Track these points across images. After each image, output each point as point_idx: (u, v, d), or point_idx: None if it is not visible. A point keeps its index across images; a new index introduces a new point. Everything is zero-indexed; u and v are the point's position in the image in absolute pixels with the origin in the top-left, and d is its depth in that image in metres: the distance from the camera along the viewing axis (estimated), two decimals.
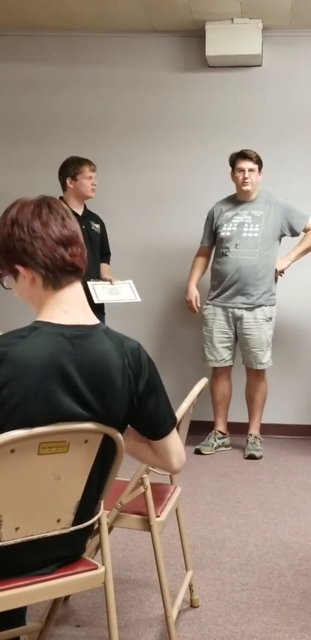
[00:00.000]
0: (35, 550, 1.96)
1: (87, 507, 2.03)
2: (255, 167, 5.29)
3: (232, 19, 5.64)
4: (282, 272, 5.39)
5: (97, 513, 2.10)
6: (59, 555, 2.02)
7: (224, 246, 5.34)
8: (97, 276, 5.33)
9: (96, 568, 2.07)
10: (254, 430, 5.45)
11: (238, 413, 5.57)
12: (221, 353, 5.40)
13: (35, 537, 1.94)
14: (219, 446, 5.43)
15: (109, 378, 1.96)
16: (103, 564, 2.09)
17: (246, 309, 5.31)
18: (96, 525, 2.13)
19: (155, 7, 5.48)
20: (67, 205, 5.17)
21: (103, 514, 2.12)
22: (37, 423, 1.85)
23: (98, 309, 5.02)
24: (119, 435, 2.03)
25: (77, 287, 2.01)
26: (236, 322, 5.36)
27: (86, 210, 5.43)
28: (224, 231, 5.35)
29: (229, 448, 5.50)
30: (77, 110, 6.02)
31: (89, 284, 5.01)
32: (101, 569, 2.08)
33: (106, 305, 5.23)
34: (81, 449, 1.96)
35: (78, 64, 6.05)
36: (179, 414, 2.54)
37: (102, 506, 2.12)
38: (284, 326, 5.76)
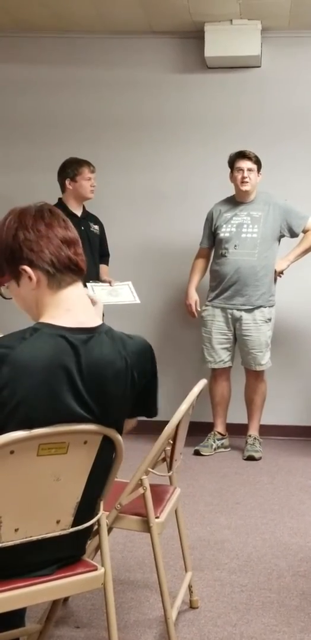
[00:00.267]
0: (35, 552, 1.96)
1: (86, 508, 2.03)
2: (254, 167, 5.29)
3: (231, 20, 5.65)
4: (281, 273, 5.39)
5: (97, 514, 2.10)
6: (59, 556, 2.02)
7: (223, 247, 5.34)
8: (97, 277, 5.33)
9: (96, 569, 2.08)
10: (253, 431, 5.45)
11: (237, 414, 5.57)
12: (220, 354, 5.40)
13: (34, 538, 1.94)
14: (218, 447, 5.43)
15: (110, 381, 1.96)
16: (102, 565, 2.09)
17: (245, 310, 5.31)
18: (96, 527, 2.13)
19: (154, 8, 5.49)
20: (66, 206, 5.26)
21: (102, 515, 2.12)
22: (39, 424, 1.86)
23: None
24: (119, 436, 2.03)
25: (80, 287, 2.03)
26: (235, 323, 5.36)
27: (84, 211, 5.43)
28: (224, 232, 5.35)
29: (229, 449, 5.50)
30: (76, 111, 6.02)
31: (88, 285, 5.01)
32: (101, 570, 2.08)
33: (104, 306, 5.21)
34: (80, 450, 1.96)
35: (77, 65, 6.05)
36: (178, 414, 2.54)
37: (101, 507, 2.12)
38: (283, 327, 5.76)
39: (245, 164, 5.28)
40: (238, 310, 5.32)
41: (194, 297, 5.49)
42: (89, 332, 1.96)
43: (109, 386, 1.96)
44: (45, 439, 1.88)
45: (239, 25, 5.65)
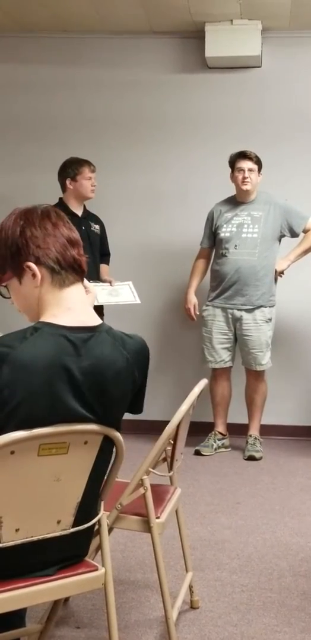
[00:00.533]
0: (36, 552, 1.96)
1: (87, 508, 2.03)
2: (255, 167, 5.29)
3: (231, 20, 5.65)
4: (282, 272, 5.39)
5: (98, 514, 2.10)
6: (60, 557, 2.02)
7: (223, 247, 5.35)
8: (97, 277, 5.33)
9: (96, 569, 2.07)
10: (254, 431, 5.45)
11: (237, 414, 5.57)
12: (220, 354, 5.40)
13: (35, 538, 1.94)
14: (219, 447, 5.43)
15: (110, 380, 1.96)
16: (103, 565, 2.09)
17: (246, 310, 5.31)
18: (96, 527, 2.13)
19: (155, 8, 5.49)
20: (67, 206, 5.26)
21: (103, 515, 2.12)
22: (39, 424, 1.86)
23: (98, 311, 5.01)
24: (120, 436, 2.03)
25: (80, 288, 2.04)
26: (235, 323, 5.36)
27: (85, 211, 5.43)
28: (224, 232, 5.35)
29: (229, 449, 5.50)
30: (77, 111, 6.02)
31: (87, 283, 5.00)
32: (101, 570, 2.07)
33: (105, 306, 5.22)
34: (81, 450, 1.95)
35: (78, 66, 6.05)
36: (178, 415, 2.54)
37: (102, 507, 2.12)
38: (284, 327, 5.76)
39: (246, 164, 5.28)
40: (238, 310, 5.32)
41: (192, 301, 5.50)
42: (90, 331, 1.96)
43: (110, 385, 1.96)
44: (45, 439, 1.88)
45: (240, 26, 5.65)
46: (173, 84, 5.99)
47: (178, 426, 2.58)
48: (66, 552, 2.04)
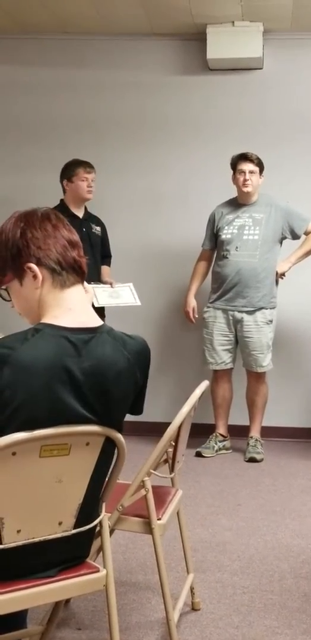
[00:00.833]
0: (37, 553, 1.96)
1: (88, 509, 2.03)
2: (256, 169, 5.30)
3: (233, 22, 5.65)
4: (283, 274, 5.39)
5: (99, 516, 2.10)
6: (62, 558, 2.02)
7: (224, 249, 5.35)
8: (98, 279, 5.34)
9: (97, 571, 2.07)
10: (255, 433, 5.45)
11: (238, 416, 5.56)
12: (221, 356, 5.40)
13: (36, 539, 1.94)
14: (220, 449, 5.43)
15: (112, 381, 1.96)
16: (104, 566, 2.09)
17: (247, 311, 5.31)
18: (98, 528, 2.13)
19: (156, 10, 5.49)
20: (68, 207, 5.27)
21: (105, 517, 2.12)
22: (41, 425, 1.86)
23: (99, 313, 5.01)
24: (121, 437, 2.03)
25: (81, 289, 2.04)
26: (236, 325, 5.36)
27: (86, 212, 5.44)
28: (225, 234, 5.35)
29: (230, 451, 5.50)
30: (78, 113, 6.03)
31: (86, 286, 5.00)
32: (103, 572, 2.07)
33: (106, 308, 5.23)
34: (82, 451, 1.96)
35: (79, 67, 6.05)
36: (180, 416, 2.54)
37: (103, 509, 2.12)
38: (285, 329, 5.76)
39: (247, 166, 5.28)
40: (239, 311, 5.32)
41: (191, 304, 5.51)
42: (91, 332, 1.97)
43: (111, 386, 1.97)
44: (47, 440, 1.88)
45: (241, 27, 5.65)
46: (174, 85, 5.99)
47: (179, 428, 2.57)
48: (67, 554, 2.04)
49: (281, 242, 5.40)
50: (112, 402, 1.98)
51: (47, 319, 1.95)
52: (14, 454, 1.84)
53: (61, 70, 6.07)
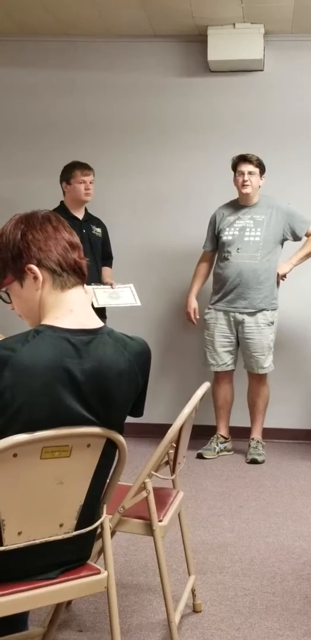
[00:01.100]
0: (38, 555, 1.96)
1: (90, 511, 2.03)
2: (255, 170, 5.30)
3: (234, 24, 5.65)
4: (284, 276, 5.39)
5: (100, 517, 2.10)
6: (63, 560, 2.02)
7: (225, 250, 5.35)
8: (98, 280, 5.34)
9: (99, 573, 2.07)
10: (256, 434, 5.44)
11: (240, 417, 5.56)
12: (222, 357, 5.40)
13: (37, 541, 1.93)
14: (221, 450, 5.43)
15: (113, 382, 1.96)
16: (106, 568, 2.09)
17: (248, 313, 5.31)
18: (99, 530, 2.13)
19: (157, 12, 5.49)
20: (68, 209, 5.28)
21: (106, 519, 2.12)
22: (41, 426, 1.86)
23: (100, 313, 5.02)
24: (122, 439, 2.03)
25: (81, 291, 2.04)
26: (237, 327, 5.36)
27: (86, 214, 5.44)
28: (226, 235, 5.36)
29: (232, 452, 5.49)
30: (79, 114, 6.03)
31: (90, 288, 5.01)
32: (104, 574, 2.07)
33: (107, 309, 5.23)
34: (83, 453, 1.95)
35: (80, 69, 6.05)
36: (181, 418, 2.54)
37: (105, 510, 2.12)
38: (286, 331, 5.76)
39: (246, 168, 5.29)
40: (240, 313, 5.32)
41: (192, 305, 5.51)
42: (91, 334, 1.97)
43: (112, 387, 1.97)
44: (48, 442, 1.88)
45: (242, 29, 5.65)
46: (175, 87, 5.99)
47: (181, 429, 2.57)
48: (69, 556, 2.04)
49: (282, 244, 5.40)
50: (113, 403, 1.98)
51: (48, 321, 1.95)
52: (15, 455, 1.84)
53: (62, 72, 6.07)
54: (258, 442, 5.40)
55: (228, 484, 4.74)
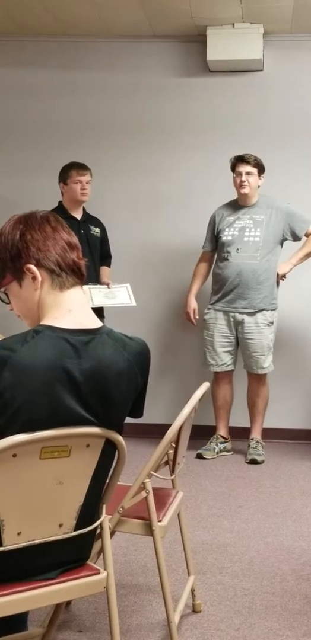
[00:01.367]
0: (38, 555, 1.96)
1: (89, 511, 2.03)
2: (254, 170, 5.30)
3: (233, 24, 5.65)
4: (284, 276, 5.39)
5: (99, 518, 2.10)
6: (62, 560, 2.02)
7: (225, 250, 5.35)
8: (96, 280, 5.34)
9: (98, 573, 2.07)
10: (256, 434, 5.44)
11: (239, 417, 5.56)
12: (222, 357, 5.40)
13: (37, 541, 1.93)
14: (220, 451, 5.43)
15: (112, 382, 1.96)
16: (105, 568, 2.09)
17: (247, 313, 5.31)
18: (98, 530, 2.13)
19: (156, 12, 5.49)
20: (66, 209, 5.29)
21: (105, 519, 2.12)
22: (41, 427, 1.86)
23: (98, 313, 5.01)
24: (122, 439, 2.03)
25: (80, 291, 2.05)
26: (237, 327, 5.36)
27: (85, 214, 5.45)
28: (226, 235, 5.36)
29: (231, 453, 5.49)
30: (78, 114, 6.03)
31: (85, 287, 5.01)
32: (103, 574, 2.07)
33: (105, 309, 5.23)
34: (83, 453, 1.95)
35: (80, 69, 6.05)
36: (180, 418, 2.54)
37: (104, 511, 2.12)
38: (286, 330, 5.76)
39: (244, 168, 5.29)
40: (240, 313, 5.32)
41: (192, 305, 5.51)
42: (91, 334, 1.97)
43: (112, 387, 1.97)
44: (47, 442, 1.88)
45: (242, 29, 5.65)
46: (174, 87, 5.99)
47: (180, 429, 2.57)
48: (68, 556, 2.04)
49: (281, 244, 5.40)
50: (112, 403, 1.98)
51: (47, 321, 1.95)
52: (14, 455, 1.84)
53: (62, 72, 6.07)
54: (257, 442, 5.40)
55: (227, 484, 4.74)
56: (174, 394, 5.87)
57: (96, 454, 1.99)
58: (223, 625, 2.84)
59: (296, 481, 4.82)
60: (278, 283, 5.40)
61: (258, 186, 5.37)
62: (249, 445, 5.38)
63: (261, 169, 5.34)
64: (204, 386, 2.77)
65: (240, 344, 5.40)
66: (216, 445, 5.42)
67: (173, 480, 2.89)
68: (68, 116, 6.03)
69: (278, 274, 5.36)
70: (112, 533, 2.49)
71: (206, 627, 2.82)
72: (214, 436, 5.46)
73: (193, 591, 2.96)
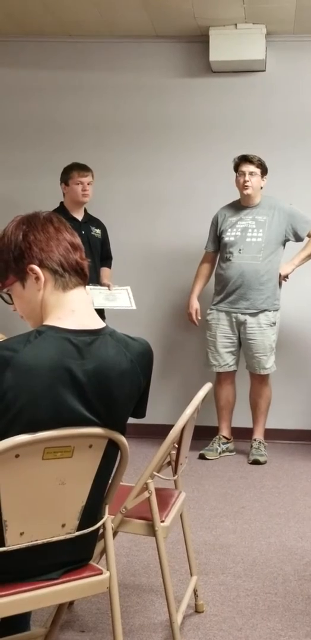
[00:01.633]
0: (40, 556, 1.96)
1: (92, 512, 2.03)
2: (257, 170, 5.29)
3: (236, 25, 5.65)
4: (286, 276, 5.39)
5: (102, 518, 2.10)
6: (65, 560, 2.02)
7: (228, 251, 5.35)
8: (97, 281, 5.35)
9: (101, 573, 2.07)
10: (258, 435, 5.44)
11: (242, 418, 5.56)
12: (224, 358, 5.40)
13: (40, 542, 1.94)
14: (223, 451, 5.43)
15: (115, 382, 1.96)
16: (108, 569, 2.09)
17: (250, 313, 5.31)
18: (101, 530, 2.13)
19: (159, 12, 5.49)
20: (67, 210, 5.29)
21: (108, 519, 2.12)
22: (43, 427, 1.86)
23: (99, 314, 5.01)
24: (124, 440, 2.03)
25: (83, 291, 2.05)
26: (239, 327, 5.36)
27: (86, 215, 5.45)
28: (228, 236, 5.36)
29: (234, 453, 5.49)
30: (81, 115, 6.03)
31: (86, 288, 5.00)
32: (106, 574, 2.07)
33: (106, 310, 5.22)
34: (85, 453, 1.96)
35: (82, 70, 6.06)
36: (183, 419, 2.54)
37: (107, 511, 2.12)
38: (288, 331, 5.76)
39: (247, 168, 5.29)
40: (242, 314, 5.32)
41: (194, 305, 5.51)
42: (93, 334, 1.97)
43: (114, 388, 1.97)
44: (50, 442, 1.88)
45: (244, 30, 5.65)
46: (177, 88, 5.99)
47: (183, 430, 2.57)
48: (71, 556, 2.04)
49: (284, 245, 5.40)
50: (115, 404, 1.98)
51: (50, 321, 1.95)
52: (17, 456, 1.84)
53: (64, 73, 6.07)
54: (260, 442, 5.39)
55: (230, 484, 4.74)
56: (177, 395, 5.87)
57: (98, 455, 1.99)
58: (225, 625, 2.84)
59: (299, 482, 4.82)
60: (280, 284, 5.40)
61: (261, 187, 5.37)
62: (251, 446, 5.38)
63: (264, 170, 5.34)
64: (207, 387, 2.77)
65: (243, 345, 5.40)
66: (219, 445, 5.42)
67: (175, 481, 2.90)
68: (70, 117, 6.04)
69: (280, 275, 5.36)
70: (115, 533, 2.49)
71: (209, 627, 2.82)
72: (217, 437, 5.46)
73: (195, 591, 2.96)
